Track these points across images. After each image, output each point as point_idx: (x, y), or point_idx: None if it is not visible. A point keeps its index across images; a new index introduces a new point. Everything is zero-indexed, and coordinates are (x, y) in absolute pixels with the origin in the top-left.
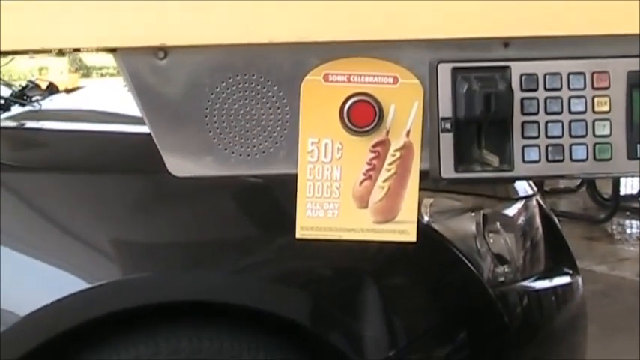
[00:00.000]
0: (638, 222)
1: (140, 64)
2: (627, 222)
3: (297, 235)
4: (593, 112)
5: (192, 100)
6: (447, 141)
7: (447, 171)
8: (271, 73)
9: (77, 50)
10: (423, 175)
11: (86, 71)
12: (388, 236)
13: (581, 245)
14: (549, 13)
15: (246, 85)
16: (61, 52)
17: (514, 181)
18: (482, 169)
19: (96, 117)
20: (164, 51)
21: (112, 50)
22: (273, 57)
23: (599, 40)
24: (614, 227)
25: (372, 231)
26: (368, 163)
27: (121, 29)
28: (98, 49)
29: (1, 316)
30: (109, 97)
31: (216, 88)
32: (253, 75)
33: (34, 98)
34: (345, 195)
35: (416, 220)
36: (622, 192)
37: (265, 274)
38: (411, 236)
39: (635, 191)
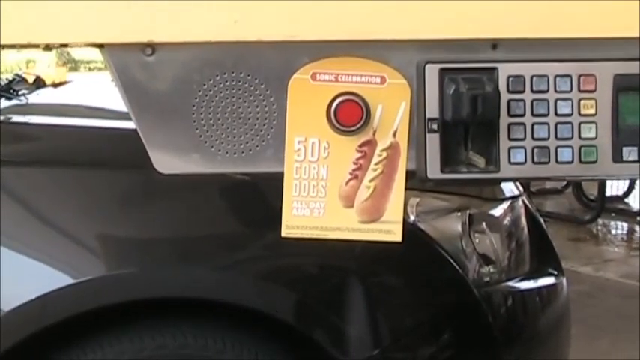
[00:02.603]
0: (623, 223)
1: (127, 60)
2: (612, 223)
3: (283, 234)
4: (580, 114)
5: (180, 97)
6: (433, 142)
7: (433, 172)
8: (259, 71)
9: (64, 46)
10: (410, 175)
11: (74, 65)
12: (374, 236)
13: (566, 246)
14: (538, 15)
15: (234, 82)
16: (48, 47)
17: (500, 183)
18: (469, 170)
19: (83, 112)
20: (152, 47)
21: (99, 46)
22: (261, 55)
23: (587, 43)
24: (599, 228)
25: (358, 230)
26: (354, 163)
27: (108, 25)
28: (86, 45)
29: None
30: (97, 92)
31: (204, 85)
32: (241, 73)
33: (20, 92)
34: (331, 194)
35: (402, 220)
36: (607, 193)
37: (251, 271)
38: (397, 236)
39: (620, 193)
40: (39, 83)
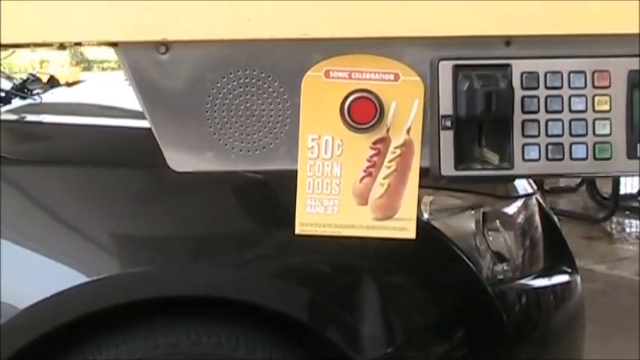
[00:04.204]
0: (637, 221)
1: (141, 58)
2: (627, 221)
3: (297, 231)
4: (594, 111)
5: (194, 95)
6: (447, 139)
7: (447, 169)
8: (272, 69)
9: (78, 44)
10: (423, 172)
11: (87, 65)
12: (388, 233)
13: (580, 244)
14: (551, 11)
15: (247, 80)
16: (62, 46)
17: (514, 180)
18: (483, 167)
19: (96, 111)
20: (165, 45)
21: (113, 44)
22: (274, 53)
23: (601, 39)
24: (613, 226)
25: (372, 228)
26: (368, 160)
27: (122, 23)
28: (99, 44)
29: (1, 309)
30: (109, 91)
31: (218, 83)
32: (254, 70)
33: (34, 91)
34: (345, 191)
35: (415, 217)
36: (622, 191)
37: (264, 269)
38: (411, 233)
39: (634, 190)
40: (53, 83)
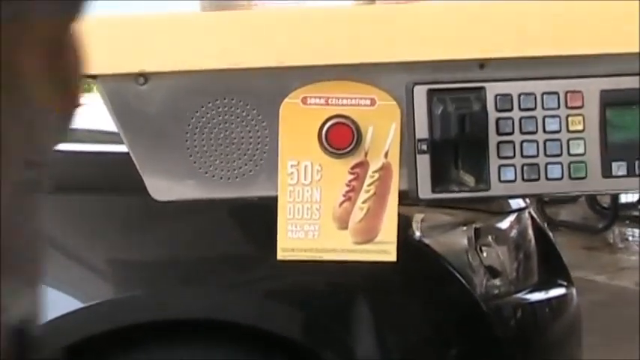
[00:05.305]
0: (638, 230)
1: (121, 89)
2: (628, 230)
3: (279, 257)
4: (568, 131)
5: (173, 125)
6: (423, 162)
7: (425, 192)
8: (250, 97)
9: None
10: (403, 195)
11: (87, 85)
12: (369, 256)
13: (581, 255)
14: (524, 33)
15: (226, 109)
16: None
17: (491, 201)
18: (460, 189)
19: (90, 136)
20: (144, 77)
21: (92, 77)
22: (252, 81)
23: (572, 60)
24: (614, 236)
25: (353, 251)
26: (347, 185)
27: (100, 56)
28: None
29: None
30: (99, 115)
31: (197, 112)
32: (233, 99)
33: None
34: (325, 216)
35: (395, 239)
36: (622, 200)
37: (259, 290)
38: (392, 256)
39: (634, 199)
40: None
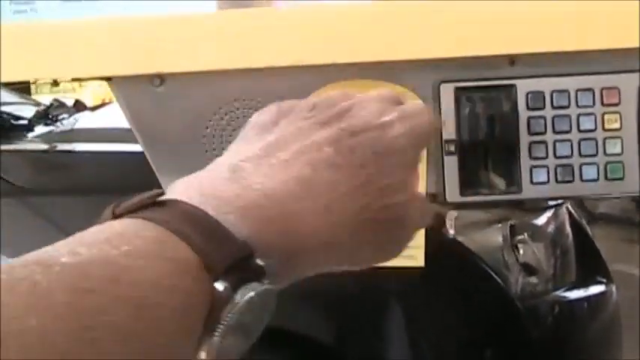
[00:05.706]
0: None
1: (136, 91)
2: None
3: None
4: (604, 129)
5: (190, 127)
6: (451, 164)
7: (452, 195)
8: (270, 97)
9: (74, 80)
10: (431, 198)
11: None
12: (396, 262)
13: (620, 248)
14: (556, 27)
15: (245, 110)
16: (55, 83)
17: (523, 203)
18: (490, 192)
19: (124, 136)
20: (160, 78)
21: (107, 79)
22: (270, 81)
23: (608, 55)
24: None
25: None
26: None
27: (115, 57)
28: (93, 78)
29: None
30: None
31: (214, 114)
32: (252, 99)
33: (60, 117)
34: None
35: (423, 244)
36: None
37: (289, 292)
38: (419, 261)
39: None
40: (79, 107)
